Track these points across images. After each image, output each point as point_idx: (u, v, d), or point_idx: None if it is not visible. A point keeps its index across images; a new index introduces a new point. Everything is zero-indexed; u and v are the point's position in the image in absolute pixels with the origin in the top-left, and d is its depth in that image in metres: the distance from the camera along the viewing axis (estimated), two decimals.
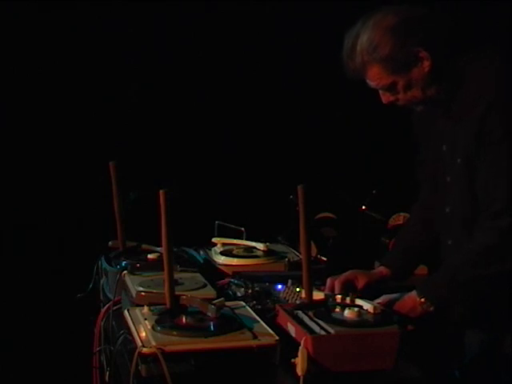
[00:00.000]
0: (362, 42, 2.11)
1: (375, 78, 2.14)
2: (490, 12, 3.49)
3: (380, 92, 2.19)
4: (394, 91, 2.17)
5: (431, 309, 2.08)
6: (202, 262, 2.73)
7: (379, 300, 2.15)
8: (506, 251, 2.03)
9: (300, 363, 1.74)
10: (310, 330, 1.85)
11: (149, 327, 1.87)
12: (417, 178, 2.48)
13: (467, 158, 2.13)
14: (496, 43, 2.20)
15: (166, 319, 1.92)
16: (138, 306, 2.06)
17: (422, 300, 2.09)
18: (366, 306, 1.99)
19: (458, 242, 2.21)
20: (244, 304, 2.13)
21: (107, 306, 2.39)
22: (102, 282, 2.66)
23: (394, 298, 2.16)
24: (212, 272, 2.57)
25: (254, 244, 2.78)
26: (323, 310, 1.97)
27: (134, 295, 2.18)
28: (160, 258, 2.41)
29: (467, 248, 2.12)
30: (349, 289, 2.26)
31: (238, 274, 2.51)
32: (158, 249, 2.57)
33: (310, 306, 1.99)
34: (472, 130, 2.10)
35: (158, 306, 2.00)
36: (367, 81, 2.18)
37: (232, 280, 2.46)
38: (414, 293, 2.11)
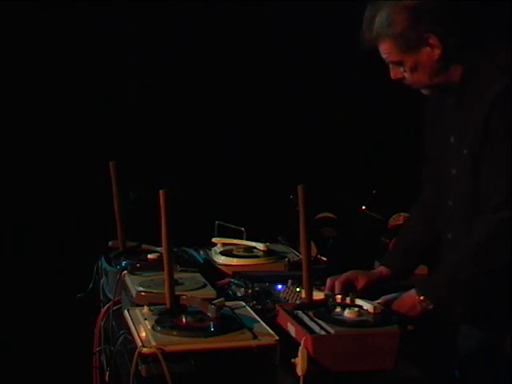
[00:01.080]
0: (381, 15, 2.16)
1: (385, 52, 2.19)
2: (490, 12, 3.49)
3: (390, 66, 2.23)
4: (402, 69, 2.20)
5: (430, 307, 2.07)
6: (201, 261, 2.72)
7: (378, 301, 2.15)
8: (505, 244, 2.02)
9: (300, 363, 1.73)
10: (310, 330, 1.84)
11: (149, 327, 1.87)
12: (418, 178, 2.48)
13: (473, 151, 2.14)
14: (496, 43, 2.20)
15: (166, 319, 1.91)
16: (138, 305, 2.06)
17: (421, 298, 2.08)
18: (366, 306, 1.99)
19: (458, 236, 2.21)
20: (244, 304, 2.12)
21: (107, 306, 2.39)
22: (102, 282, 2.65)
23: (392, 297, 2.16)
24: (212, 272, 2.57)
25: (254, 244, 2.78)
26: (323, 310, 1.97)
27: (134, 295, 2.18)
28: (160, 258, 2.40)
29: (466, 243, 2.11)
30: (349, 289, 2.26)
31: (238, 273, 2.51)
32: (158, 249, 2.56)
33: (310, 305, 1.99)
34: (477, 126, 2.11)
35: (158, 306, 2.00)
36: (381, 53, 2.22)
37: (232, 280, 2.45)
38: (413, 291, 2.11)
